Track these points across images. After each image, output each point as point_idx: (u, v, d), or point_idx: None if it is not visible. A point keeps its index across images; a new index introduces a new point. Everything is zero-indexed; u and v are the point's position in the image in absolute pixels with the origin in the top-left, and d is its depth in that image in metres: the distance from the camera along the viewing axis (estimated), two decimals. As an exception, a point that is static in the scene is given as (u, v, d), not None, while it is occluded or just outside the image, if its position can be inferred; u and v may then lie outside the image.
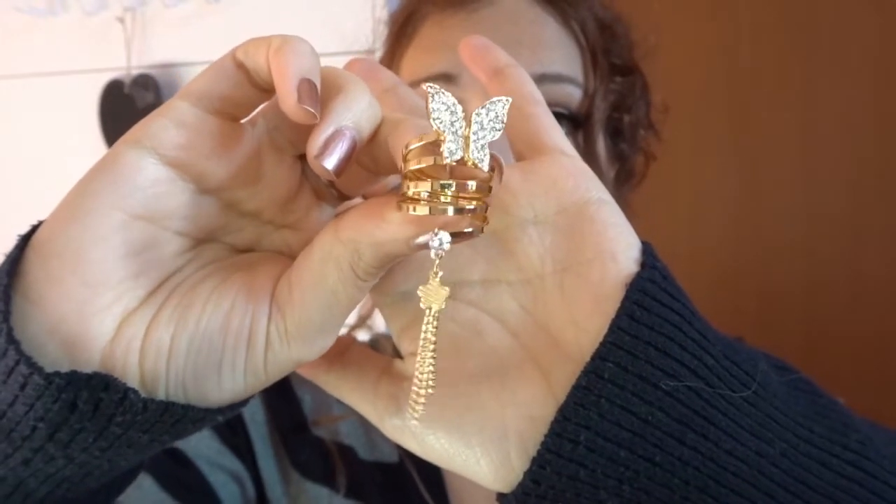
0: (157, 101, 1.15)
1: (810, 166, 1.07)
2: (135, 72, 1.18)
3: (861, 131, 1.05)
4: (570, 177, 0.26)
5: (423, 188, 0.21)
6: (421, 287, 0.23)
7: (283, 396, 0.54)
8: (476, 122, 0.22)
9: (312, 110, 0.21)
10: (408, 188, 0.21)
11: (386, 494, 0.50)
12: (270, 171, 0.25)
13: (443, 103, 0.21)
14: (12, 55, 1.29)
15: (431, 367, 0.23)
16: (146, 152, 0.23)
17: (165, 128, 0.23)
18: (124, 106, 1.17)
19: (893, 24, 1.03)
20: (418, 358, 0.23)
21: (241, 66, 0.23)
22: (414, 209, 0.21)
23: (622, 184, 0.56)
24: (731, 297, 1.12)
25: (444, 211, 0.21)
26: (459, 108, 0.21)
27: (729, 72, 1.11)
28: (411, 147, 0.21)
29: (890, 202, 1.04)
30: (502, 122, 0.22)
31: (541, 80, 0.46)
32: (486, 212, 0.23)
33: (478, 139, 0.21)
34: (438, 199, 0.21)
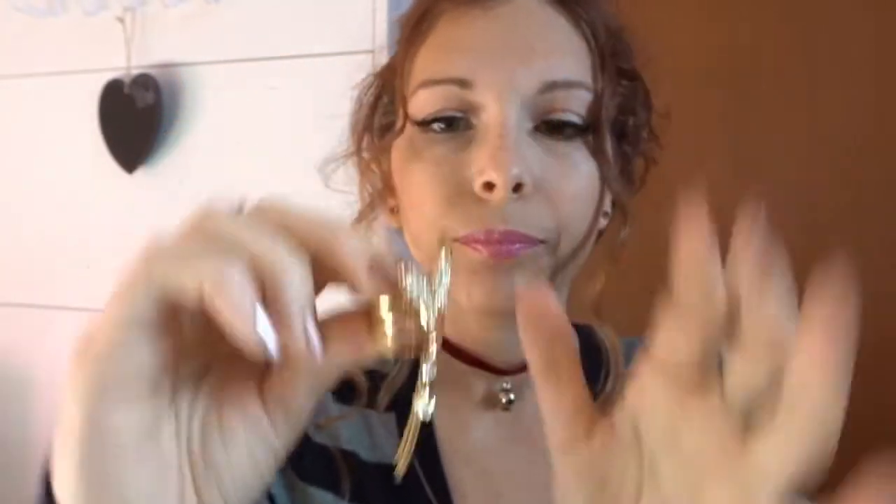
0: (157, 101, 1.15)
1: (810, 167, 1.07)
2: (135, 72, 1.17)
3: (861, 132, 1.05)
4: None
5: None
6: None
7: None
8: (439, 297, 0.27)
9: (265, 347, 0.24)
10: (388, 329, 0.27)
11: (389, 495, 0.50)
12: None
13: (415, 278, 0.26)
14: (12, 55, 1.29)
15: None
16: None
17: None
18: (124, 106, 1.17)
19: (893, 24, 1.03)
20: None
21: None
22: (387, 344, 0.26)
23: (623, 187, 0.56)
24: (731, 297, 1.11)
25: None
26: (424, 281, 0.26)
27: (729, 72, 1.11)
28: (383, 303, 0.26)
29: (890, 202, 1.04)
30: (439, 285, 0.27)
31: (552, 87, 0.47)
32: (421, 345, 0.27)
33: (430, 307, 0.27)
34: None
